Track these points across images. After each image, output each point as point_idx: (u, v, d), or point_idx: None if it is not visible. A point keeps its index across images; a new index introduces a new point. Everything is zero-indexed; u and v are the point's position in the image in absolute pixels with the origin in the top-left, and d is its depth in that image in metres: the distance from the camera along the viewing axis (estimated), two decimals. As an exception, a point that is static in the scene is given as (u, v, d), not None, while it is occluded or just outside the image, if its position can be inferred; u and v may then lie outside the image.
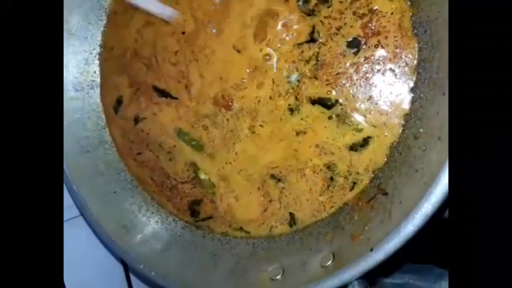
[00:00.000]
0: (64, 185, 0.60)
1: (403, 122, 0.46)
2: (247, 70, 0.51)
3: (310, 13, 0.48)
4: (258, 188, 0.53)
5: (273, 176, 0.52)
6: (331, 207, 0.50)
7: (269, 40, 0.50)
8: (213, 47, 0.53)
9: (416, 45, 0.44)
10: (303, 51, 0.49)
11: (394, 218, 0.39)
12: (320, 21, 0.48)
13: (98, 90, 0.66)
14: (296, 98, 0.49)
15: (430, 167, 0.38)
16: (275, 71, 0.50)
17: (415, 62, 0.45)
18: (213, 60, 0.54)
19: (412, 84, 0.45)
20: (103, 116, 0.66)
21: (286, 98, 0.50)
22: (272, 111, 0.51)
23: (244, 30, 0.51)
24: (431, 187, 0.36)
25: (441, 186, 0.35)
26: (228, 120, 0.54)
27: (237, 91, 0.52)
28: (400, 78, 0.45)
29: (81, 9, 0.63)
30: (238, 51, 0.51)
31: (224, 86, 0.53)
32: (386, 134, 0.46)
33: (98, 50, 0.66)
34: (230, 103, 0.53)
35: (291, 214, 0.52)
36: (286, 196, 0.52)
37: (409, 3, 0.44)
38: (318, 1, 0.48)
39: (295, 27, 0.48)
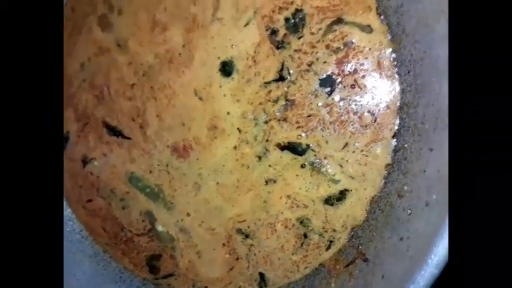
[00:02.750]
0: None
1: (385, 173, 0.40)
2: (207, 126, 0.44)
3: (280, 45, 0.41)
4: (223, 244, 0.47)
5: (240, 231, 0.46)
6: (306, 268, 0.43)
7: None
8: (174, 87, 0.46)
9: (398, 86, 0.38)
10: (270, 91, 0.42)
11: (376, 298, 0.34)
12: (290, 56, 0.41)
13: (41, 125, 0.58)
14: (265, 145, 0.43)
15: (417, 238, 0.32)
16: (240, 120, 0.43)
17: (398, 104, 0.39)
18: (174, 103, 0.47)
19: (394, 131, 0.39)
20: (48, 155, 0.58)
21: (255, 144, 0.43)
22: (237, 160, 0.44)
23: (212, 76, 0.44)
24: (420, 267, 0.30)
25: (431, 268, 0.29)
26: (187, 169, 0.47)
27: (197, 145, 0.45)
28: (380, 123, 0.39)
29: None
30: (200, 99, 0.45)
31: (186, 136, 0.46)
32: (365, 187, 0.40)
33: (40, 80, 0.58)
34: (190, 152, 0.46)
35: (260, 274, 0.46)
36: (255, 254, 0.45)
37: (389, 37, 0.38)
38: (287, 31, 0.41)
39: (263, 63, 0.42)
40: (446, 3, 0.31)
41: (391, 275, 0.33)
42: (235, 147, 0.45)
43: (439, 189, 0.31)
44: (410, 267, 0.31)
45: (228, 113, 0.44)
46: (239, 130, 0.44)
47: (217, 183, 0.46)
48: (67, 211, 0.56)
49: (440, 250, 0.29)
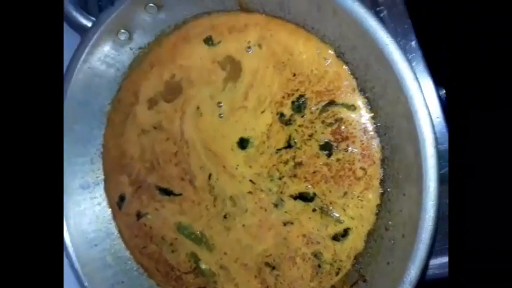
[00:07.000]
0: (76, 280, 0.65)
1: (376, 212, 0.52)
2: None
3: (288, 123, 0.56)
4: (255, 276, 0.58)
5: (267, 264, 0.57)
6: (321, 291, 0.55)
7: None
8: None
9: (379, 144, 0.51)
10: (281, 155, 0.56)
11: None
12: (295, 129, 0.55)
13: (102, 185, 0.72)
14: (280, 196, 0.56)
15: (397, 262, 0.44)
16: (254, 176, 0.57)
17: (380, 158, 0.52)
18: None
19: (380, 179, 0.52)
20: (108, 209, 0.71)
21: (270, 194, 0.56)
22: (256, 203, 0.57)
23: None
24: (399, 285, 0.42)
25: (406, 285, 0.41)
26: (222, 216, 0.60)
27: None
28: (369, 175, 0.52)
29: (85, 118, 0.70)
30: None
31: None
32: (362, 224, 0.52)
33: (101, 150, 0.72)
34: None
35: (286, 299, 0.57)
36: (281, 283, 0.57)
37: (369, 108, 0.52)
38: (293, 111, 0.56)
39: (274, 137, 0.56)
40: (402, 90, 0.45)
41: (382, 290, 0.45)
42: (250, 192, 0.57)
43: (410, 225, 0.43)
44: (393, 285, 0.43)
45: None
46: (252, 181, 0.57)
47: (243, 225, 0.58)
48: (126, 252, 0.69)
49: (412, 272, 0.41)
